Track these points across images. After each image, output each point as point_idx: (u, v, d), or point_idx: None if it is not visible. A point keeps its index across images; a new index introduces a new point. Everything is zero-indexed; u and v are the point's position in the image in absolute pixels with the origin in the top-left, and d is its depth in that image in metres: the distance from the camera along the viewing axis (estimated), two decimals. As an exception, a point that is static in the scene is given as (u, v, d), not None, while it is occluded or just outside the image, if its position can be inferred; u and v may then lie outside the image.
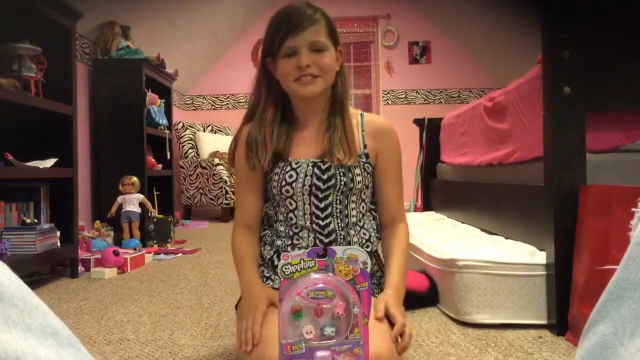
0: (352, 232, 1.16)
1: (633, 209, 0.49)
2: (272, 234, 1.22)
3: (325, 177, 1.13)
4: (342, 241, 1.15)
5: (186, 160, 5.22)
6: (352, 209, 1.16)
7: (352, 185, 1.14)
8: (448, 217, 3.14)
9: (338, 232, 1.15)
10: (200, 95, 6.24)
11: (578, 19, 1.57)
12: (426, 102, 6.26)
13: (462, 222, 2.81)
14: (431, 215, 3.37)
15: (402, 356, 1.41)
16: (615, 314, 0.44)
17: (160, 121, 4.10)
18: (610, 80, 1.57)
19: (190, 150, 5.31)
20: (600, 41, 1.57)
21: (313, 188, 1.13)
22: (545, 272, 1.63)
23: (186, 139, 5.31)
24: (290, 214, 1.16)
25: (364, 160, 1.17)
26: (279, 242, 1.18)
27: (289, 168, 1.15)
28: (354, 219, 1.16)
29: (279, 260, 1.17)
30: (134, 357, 1.45)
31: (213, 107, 6.22)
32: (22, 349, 0.34)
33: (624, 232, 1.34)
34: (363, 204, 1.19)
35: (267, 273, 1.20)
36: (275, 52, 1.10)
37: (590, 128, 1.57)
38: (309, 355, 0.77)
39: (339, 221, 1.15)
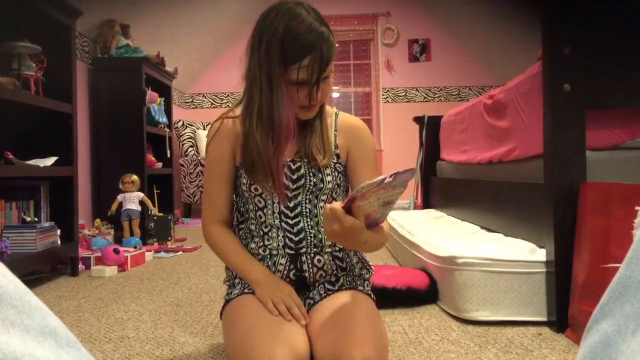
0: (322, 230, 1.15)
1: (637, 207, 0.48)
2: (245, 236, 1.21)
3: (294, 177, 1.13)
4: (312, 239, 1.14)
5: (186, 158, 5.21)
6: (322, 207, 1.15)
7: (321, 185, 1.13)
8: (448, 215, 3.14)
9: (308, 230, 1.15)
10: (200, 94, 6.24)
11: (578, 15, 1.56)
12: (426, 99, 6.25)
13: (462, 220, 2.81)
14: (431, 212, 3.37)
15: (402, 355, 1.41)
16: (618, 312, 0.44)
17: (160, 119, 4.09)
18: (610, 77, 1.57)
19: (190, 149, 5.30)
20: (600, 38, 1.57)
21: (282, 187, 1.12)
22: (545, 270, 1.63)
23: (186, 137, 5.30)
24: (259, 212, 1.16)
25: (335, 160, 1.16)
26: (252, 245, 1.18)
27: None
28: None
29: None
30: (135, 354, 1.45)
31: (213, 105, 6.21)
32: (20, 350, 0.34)
33: (624, 230, 1.34)
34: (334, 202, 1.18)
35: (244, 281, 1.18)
36: (292, 76, 1.02)
37: (590, 125, 1.57)
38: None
39: (308, 220, 1.15)
